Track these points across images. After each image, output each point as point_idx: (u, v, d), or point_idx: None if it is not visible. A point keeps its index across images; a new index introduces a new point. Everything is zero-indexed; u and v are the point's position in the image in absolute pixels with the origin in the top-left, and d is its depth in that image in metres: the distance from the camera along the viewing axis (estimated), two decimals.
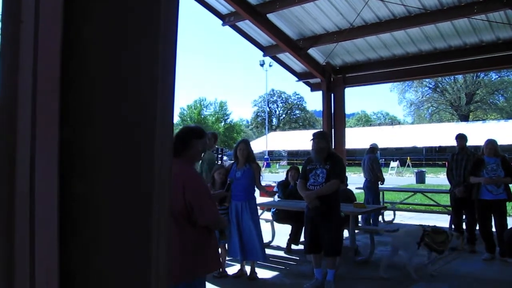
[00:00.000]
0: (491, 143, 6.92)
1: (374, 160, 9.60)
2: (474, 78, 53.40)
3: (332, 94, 10.98)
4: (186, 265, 2.96)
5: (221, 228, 3.46)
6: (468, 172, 7.07)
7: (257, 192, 6.28)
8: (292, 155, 54.37)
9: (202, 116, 70.03)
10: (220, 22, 9.40)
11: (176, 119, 68.59)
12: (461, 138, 7.66)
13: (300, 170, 6.10)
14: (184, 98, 78.27)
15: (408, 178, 27.76)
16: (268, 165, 43.98)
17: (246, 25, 9.53)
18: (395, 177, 28.91)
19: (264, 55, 11.00)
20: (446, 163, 8.11)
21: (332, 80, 10.91)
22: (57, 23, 1.15)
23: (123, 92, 1.26)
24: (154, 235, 1.26)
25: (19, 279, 1.23)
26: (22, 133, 1.21)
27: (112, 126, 1.25)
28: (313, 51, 10.17)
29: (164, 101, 1.28)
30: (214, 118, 70.79)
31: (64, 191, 1.19)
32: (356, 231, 6.95)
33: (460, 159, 7.53)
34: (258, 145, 52.28)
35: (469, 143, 7.82)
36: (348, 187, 8.22)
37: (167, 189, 1.33)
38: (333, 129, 10.87)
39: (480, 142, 7.38)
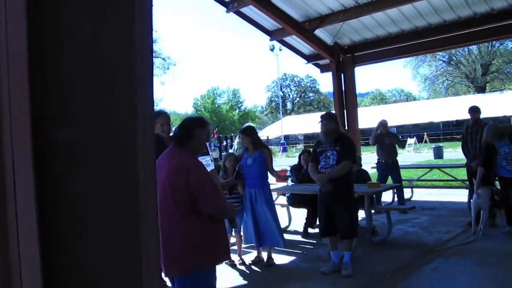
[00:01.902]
0: (491, 129, 6.69)
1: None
2: (489, 48, 52.30)
3: (342, 74, 10.88)
4: (193, 256, 2.96)
5: (229, 217, 3.43)
6: (481, 161, 6.83)
7: (272, 178, 6.26)
8: (308, 138, 54.20)
9: (216, 105, 70.03)
10: (224, 9, 9.31)
11: (190, 109, 68.90)
12: (474, 111, 7.50)
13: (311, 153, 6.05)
14: (197, 89, 78.46)
15: (425, 154, 27.46)
16: (284, 150, 43.95)
17: (251, 10, 9.43)
18: (413, 154, 28.61)
19: (271, 40, 10.89)
20: (461, 136, 7.94)
21: (341, 60, 10.80)
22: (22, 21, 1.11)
23: (101, 85, 1.23)
24: (142, 230, 1.24)
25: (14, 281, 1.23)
26: (6, 134, 1.20)
27: (93, 122, 1.22)
28: (320, 32, 10.04)
29: (144, 92, 1.25)
30: (228, 106, 70.74)
31: (47, 190, 1.17)
32: (372, 211, 6.90)
33: (474, 132, 7.38)
34: (274, 130, 52.26)
35: (488, 115, 7.73)
36: (363, 167, 8.15)
37: (153, 182, 1.30)
38: (345, 110, 10.78)
39: (499, 113, 7.22)
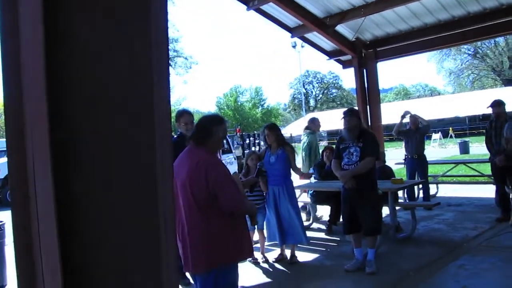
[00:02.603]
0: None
1: None
2: None
3: (365, 70, 10.77)
4: (215, 254, 2.97)
5: (250, 214, 3.43)
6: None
7: (295, 176, 6.24)
8: (332, 135, 53.77)
9: (239, 103, 70.14)
10: (245, 7, 9.30)
11: (214, 108, 69.14)
12: (496, 105, 7.32)
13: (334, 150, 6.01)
14: (220, 87, 78.79)
15: (451, 149, 27.01)
16: None
17: (271, 7, 9.41)
18: (438, 149, 28.18)
19: (292, 36, 10.86)
20: (485, 131, 7.78)
21: (364, 55, 10.70)
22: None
23: (120, 85, 1.24)
24: (161, 228, 1.25)
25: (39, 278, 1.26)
26: (29, 136, 1.23)
27: (110, 123, 1.24)
28: (341, 28, 9.96)
29: (160, 91, 1.26)
30: (250, 104, 70.78)
31: (66, 190, 1.19)
32: (397, 207, 6.82)
33: (498, 126, 7.20)
34: (297, 128, 51.95)
35: None
36: (387, 163, 8.06)
37: (171, 180, 1.31)
38: (368, 105, 10.68)
39: None
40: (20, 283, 1.26)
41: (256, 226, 5.79)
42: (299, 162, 7.65)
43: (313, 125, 8.52)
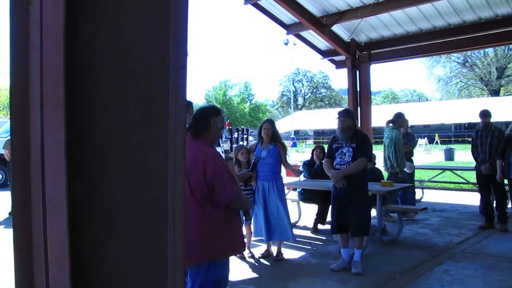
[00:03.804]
0: None
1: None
2: (506, 51, 51.72)
3: (358, 71, 10.80)
4: (207, 247, 2.95)
5: (245, 208, 3.41)
6: (499, 151, 6.87)
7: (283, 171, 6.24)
8: (318, 134, 54.06)
9: (227, 97, 69.97)
10: (242, 1, 9.26)
11: (202, 101, 68.82)
12: (485, 115, 7.40)
13: (326, 149, 6.01)
14: (209, 80, 78.48)
15: (436, 156, 27.27)
16: (294, 145, 43.87)
17: (268, 3, 9.37)
18: (423, 155, 28.41)
19: (288, 33, 10.81)
20: (471, 139, 7.87)
21: (357, 57, 10.73)
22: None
23: (134, 71, 1.22)
24: (170, 221, 1.23)
25: (37, 267, 1.22)
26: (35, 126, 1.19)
27: (124, 110, 1.21)
28: (337, 28, 9.97)
29: (176, 78, 1.23)
30: (239, 98, 70.65)
31: (78, 180, 1.16)
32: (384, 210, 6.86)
33: (484, 136, 7.31)
34: (284, 125, 52.11)
35: (501, 119, 7.60)
36: (376, 166, 8.09)
37: (183, 174, 1.28)
38: (359, 107, 10.72)
39: None
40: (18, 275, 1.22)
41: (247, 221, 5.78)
42: (380, 160, 7.58)
43: (400, 120, 8.07)
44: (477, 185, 8.44)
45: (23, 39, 1.19)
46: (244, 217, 3.49)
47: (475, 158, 7.62)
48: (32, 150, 1.20)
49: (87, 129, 1.16)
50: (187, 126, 3.31)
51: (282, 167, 5.99)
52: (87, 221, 1.16)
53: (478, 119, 7.62)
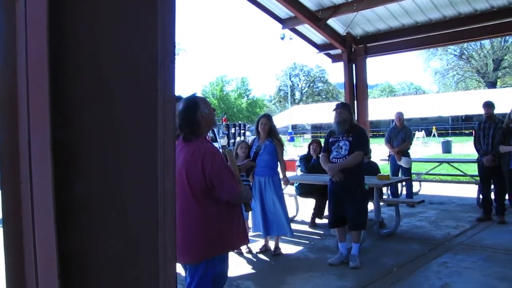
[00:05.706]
0: None
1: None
2: (502, 43, 51.71)
3: (354, 65, 10.77)
4: (207, 243, 2.94)
5: (245, 201, 3.33)
6: (497, 142, 6.83)
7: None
8: (316, 128, 54.12)
9: (224, 93, 69.91)
10: None
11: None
12: (488, 106, 7.35)
13: (323, 143, 6.00)
14: (207, 76, 78.36)
15: (434, 148, 27.31)
16: (292, 139, 43.88)
17: None
18: (421, 148, 28.45)
19: (283, 28, 10.76)
20: (473, 131, 7.82)
21: (353, 50, 10.69)
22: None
23: (125, 68, 1.20)
24: (160, 219, 1.21)
25: (28, 268, 1.21)
26: (23, 123, 1.17)
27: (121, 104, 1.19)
28: (332, 22, 9.93)
29: (165, 74, 1.21)
30: (236, 94, 70.61)
31: (64, 179, 1.14)
32: (381, 203, 6.85)
33: (487, 128, 7.26)
34: (282, 120, 52.11)
35: (498, 111, 7.53)
36: (372, 159, 8.08)
37: (172, 170, 1.27)
38: (355, 101, 10.70)
39: (509, 109, 7.08)
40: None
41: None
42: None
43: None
44: (476, 177, 8.42)
45: (11, 36, 1.17)
46: (244, 209, 3.40)
47: (477, 150, 7.56)
48: (20, 148, 1.18)
49: (74, 126, 1.14)
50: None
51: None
52: (75, 219, 1.14)
53: (475, 111, 7.61)
